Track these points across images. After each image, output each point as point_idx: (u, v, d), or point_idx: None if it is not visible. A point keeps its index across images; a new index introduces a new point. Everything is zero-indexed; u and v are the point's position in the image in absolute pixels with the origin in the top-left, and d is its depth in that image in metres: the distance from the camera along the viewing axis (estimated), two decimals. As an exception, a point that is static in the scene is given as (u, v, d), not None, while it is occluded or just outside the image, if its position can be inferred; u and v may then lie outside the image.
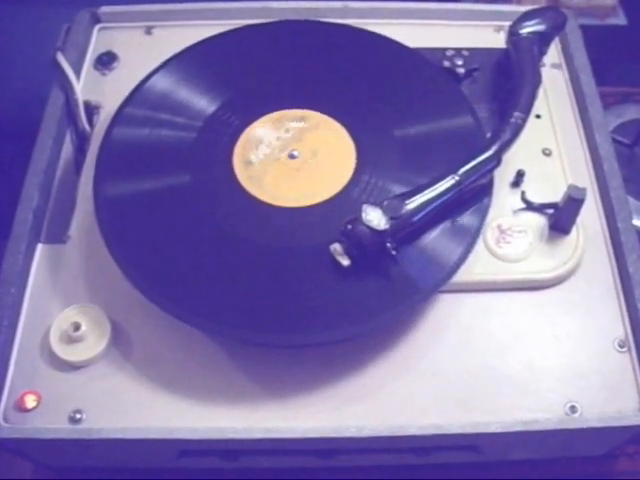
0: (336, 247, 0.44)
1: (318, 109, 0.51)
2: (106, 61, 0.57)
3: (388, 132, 0.50)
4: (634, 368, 0.45)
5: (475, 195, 0.47)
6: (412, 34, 0.56)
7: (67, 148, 0.54)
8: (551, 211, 0.48)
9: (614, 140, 0.56)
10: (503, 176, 0.50)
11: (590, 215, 0.50)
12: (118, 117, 0.50)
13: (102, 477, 0.51)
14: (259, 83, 0.53)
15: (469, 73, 0.54)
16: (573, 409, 0.43)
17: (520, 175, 0.50)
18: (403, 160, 0.49)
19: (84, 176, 0.52)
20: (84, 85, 0.56)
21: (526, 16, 0.53)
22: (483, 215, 0.47)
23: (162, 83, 0.52)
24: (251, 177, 0.48)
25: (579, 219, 0.48)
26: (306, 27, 0.55)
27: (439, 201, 0.45)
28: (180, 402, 0.44)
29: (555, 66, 0.57)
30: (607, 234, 0.49)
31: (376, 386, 0.44)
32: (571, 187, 0.46)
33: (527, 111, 0.49)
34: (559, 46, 0.58)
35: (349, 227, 0.43)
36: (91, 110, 0.55)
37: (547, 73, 0.56)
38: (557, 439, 0.45)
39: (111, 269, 0.45)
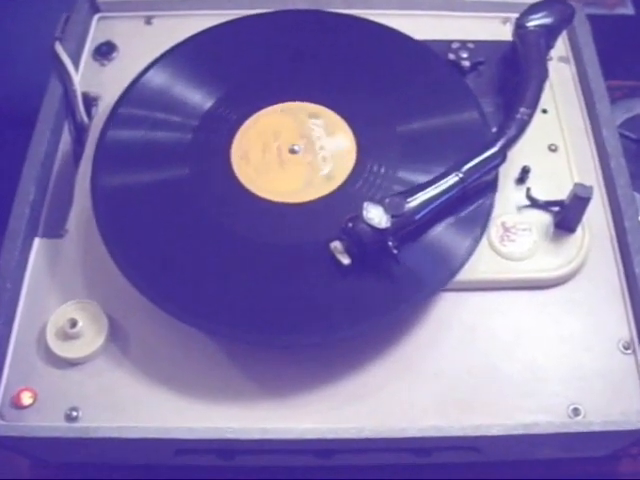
0: (336, 245, 0.43)
1: (318, 102, 0.50)
2: (105, 51, 0.56)
3: (390, 126, 0.49)
4: (639, 370, 0.44)
5: (479, 192, 0.46)
6: (417, 25, 0.55)
7: (65, 140, 0.53)
8: (556, 209, 0.48)
9: (621, 135, 0.55)
10: (508, 172, 0.49)
11: (596, 213, 0.49)
12: (116, 110, 0.50)
13: (100, 473, 0.50)
14: (258, 75, 0.51)
15: (474, 66, 0.53)
16: (576, 411, 0.43)
17: (525, 171, 0.49)
18: (405, 156, 0.48)
19: (82, 169, 0.51)
20: (83, 76, 0.55)
21: (533, 9, 0.52)
22: (487, 213, 0.46)
23: (161, 76, 0.51)
24: (249, 172, 0.47)
25: (585, 217, 0.47)
26: (306, 17, 0.54)
27: (442, 199, 0.44)
28: (177, 400, 0.43)
29: (562, 59, 0.56)
30: (613, 233, 0.48)
31: (376, 386, 0.44)
32: (577, 185, 0.45)
33: (533, 106, 0.48)
34: (567, 39, 0.57)
35: (350, 225, 0.42)
36: (90, 101, 0.54)
37: (554, 66, 0.55)
38: (559, 441, 0.44)
39: (109, 264, 0.45)
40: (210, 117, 0.50)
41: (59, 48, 0.54)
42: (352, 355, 0.44)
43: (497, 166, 0.46)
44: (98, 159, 0.48)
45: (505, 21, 0.58)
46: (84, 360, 0.44)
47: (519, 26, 0.51)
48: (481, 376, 0.44)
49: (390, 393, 0.43)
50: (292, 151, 0.48)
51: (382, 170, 0.47)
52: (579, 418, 0.42)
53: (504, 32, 0.56)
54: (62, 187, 0.51)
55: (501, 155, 0.46)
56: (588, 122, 0.53)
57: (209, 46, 0.52)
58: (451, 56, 0.53)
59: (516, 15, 0.53)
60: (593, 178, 0.51)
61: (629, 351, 0.44)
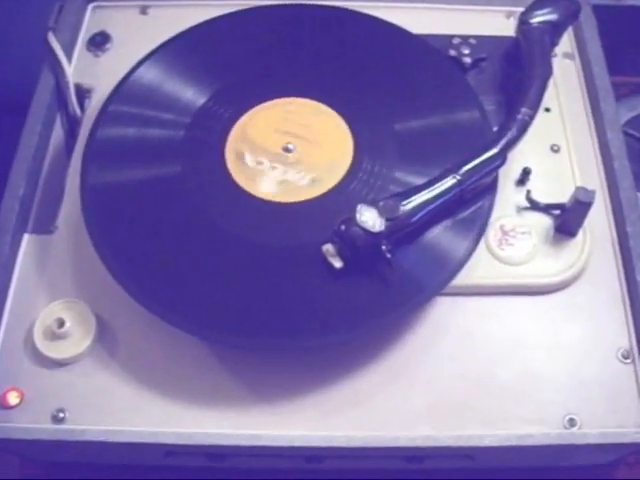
0: (328, 248, 0.42)
1: (315, 99, 0.49)
2: (99, 42, 0.55)
3: (388, 125, 0.48)
4: (637, 380, 0.43)
5: (478, 194, 0.45)
6: (416, 19, 0.54)
7: (57, 134, 0.52)
8: (557, 212, 0.46)
9: (626, 134, 0.53)
10: (508, 173, 0.48)
11: (598, 217, 0.48)
12: (106, 108, 0.48)
13: (91, 472, 0.50)
14: (253, 71, 0.50)
15: (476, 63, 0.52)
16: (572, 422, 0.42)
17: (526, 173, 0.48)
18: (403, 155, 0.47)
19: (74, 164, 0.50)
20: (76, 67, 0.54)
21: (538, 4, 0.50)
22: (485, 216, 0.45)
23: (152, 73, 0.50)
24: (244, 171, 0.46)
25: (586, 221, 0.46)
26: (302, 11, 0.52)
27: (438, 202, 0.43)
28: (166, 403, 0.43)
29: (567, 56, 0.54)
30: (615, 238, 0.47)
31: (369, 393, 0.43)
32: (579, 189, 0.44)
33: (535, 107, 0.46)
34: (572, 35, 0.55)
35: (342, 228, 0.41)
36: (83, 93, 0.53)
37: (558, 63, 0.53)
38: (554, 451, 0.43)
39: (98, 263, 0.44)
40: (204, 113, 0.48)
41: (52, 38, 0.53)
42: (345, 361, 0.43)
43: (496, 168, 0.45)
44: (87, 158, 0.47)
45: (509, 15, 0.56)
46: (72, 360, 0.44)
47: (523, 22, 0.50)
48: (476, 383, 0.43)
49: (383, 400, 0.43)
50: (287, 149, 0.47)
51: (378, 169, 0.46)
52: (574, 429, 0.41)
53: (508, 26, 0.54)
54: (53, 182, 0.50)
55: (501, 157, 0.45)
56: (592, 121, 0.52)
57: (201, 42, 0.51)
58: (452, 52, 0.52)
59: (521, 9, 0.51)
60: (596, 180, 0.49)
61: (628, 360, 0.43)
